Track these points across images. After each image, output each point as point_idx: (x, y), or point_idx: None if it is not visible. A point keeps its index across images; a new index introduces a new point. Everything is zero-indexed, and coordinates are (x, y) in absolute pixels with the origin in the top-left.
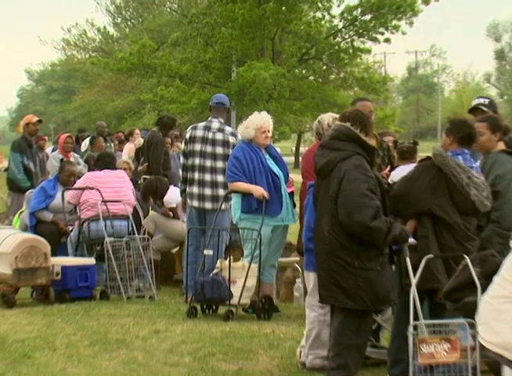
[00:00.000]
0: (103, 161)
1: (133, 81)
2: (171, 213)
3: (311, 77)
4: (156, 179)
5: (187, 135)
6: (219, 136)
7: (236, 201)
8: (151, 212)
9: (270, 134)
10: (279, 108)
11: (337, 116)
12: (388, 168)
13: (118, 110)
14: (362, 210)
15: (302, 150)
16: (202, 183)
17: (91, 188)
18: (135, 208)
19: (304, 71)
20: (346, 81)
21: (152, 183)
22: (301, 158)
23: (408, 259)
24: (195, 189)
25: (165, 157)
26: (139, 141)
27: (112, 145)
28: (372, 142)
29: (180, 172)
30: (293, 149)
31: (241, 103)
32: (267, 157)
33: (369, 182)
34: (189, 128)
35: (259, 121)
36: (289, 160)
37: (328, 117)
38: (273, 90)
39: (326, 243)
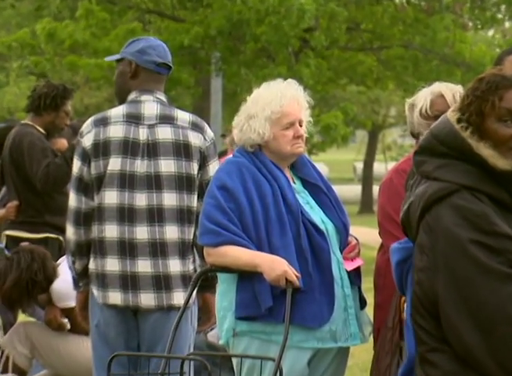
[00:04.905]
0: None
1: None
2: (65, 321)
3: None
4: (32, 254)
5: (86, 141)
6: (164, 133)
7: (224, 292)
8: (21, 318)
9: (305, 131)
10: (324, 71)
11: (457, 91)
12: None
13: None
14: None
15: (379, 168)
16: (130, 249)
17: None
18: None
19: None
20: (483, 8)
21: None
22: (376, 189)
23: None
24: (110, 265)
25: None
26: None
27: None
28: (502, 161)
29: (70, 231)
30: (359, 167)
31: (235, 58)
32: (296, 186)
33: (501, 249)
34: (88, 122)
35: (278, 102)
36: (349, 192)
37: (424, 96)
38: (311, 31)
39: None
